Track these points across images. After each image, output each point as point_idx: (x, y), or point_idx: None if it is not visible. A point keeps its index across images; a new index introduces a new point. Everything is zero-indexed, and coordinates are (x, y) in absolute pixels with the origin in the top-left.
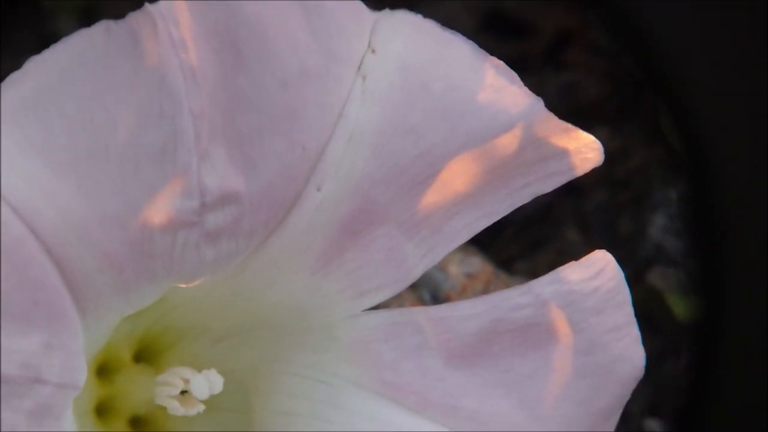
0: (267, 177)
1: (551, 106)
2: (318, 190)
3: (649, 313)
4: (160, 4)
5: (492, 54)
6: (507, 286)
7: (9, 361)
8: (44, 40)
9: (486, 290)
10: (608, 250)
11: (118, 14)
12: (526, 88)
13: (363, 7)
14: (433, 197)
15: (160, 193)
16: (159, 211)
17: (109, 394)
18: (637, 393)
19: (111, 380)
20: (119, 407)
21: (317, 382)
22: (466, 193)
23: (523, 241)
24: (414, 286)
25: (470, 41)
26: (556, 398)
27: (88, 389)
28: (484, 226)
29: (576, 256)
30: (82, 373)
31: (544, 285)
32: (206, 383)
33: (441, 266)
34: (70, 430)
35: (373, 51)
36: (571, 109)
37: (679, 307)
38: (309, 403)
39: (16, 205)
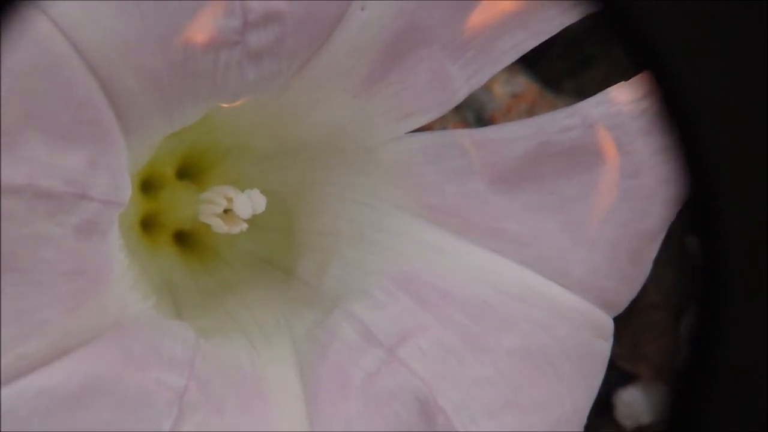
0: None
1: None
2: (362, 9)
3: None
4: None
5: None
6: (553, 106)
7: (55, 177)
8: None
9: (531, 110)
10: None
11: None
12: None
13: None
14: (480, 17)
15: (202, 11)
16: (201, 30)
17: (153, 209)
18: (678, 212)
19: (155, 196)
20: (164, 222)
21: (360, 204)
22: (514, 12)
23: (571, 60)
24: (458, 108)
25: None
26: (600, 220)
27: (133, 204)
28: (532, 47)
29: (625, 76)
30: (126, 191)
31: (592, 106)
32: (249, 202)
33: (486, 87)
34: (116, 244)
35: None
36: None
37: None
38: (352, 225)
39: (60, 22)
